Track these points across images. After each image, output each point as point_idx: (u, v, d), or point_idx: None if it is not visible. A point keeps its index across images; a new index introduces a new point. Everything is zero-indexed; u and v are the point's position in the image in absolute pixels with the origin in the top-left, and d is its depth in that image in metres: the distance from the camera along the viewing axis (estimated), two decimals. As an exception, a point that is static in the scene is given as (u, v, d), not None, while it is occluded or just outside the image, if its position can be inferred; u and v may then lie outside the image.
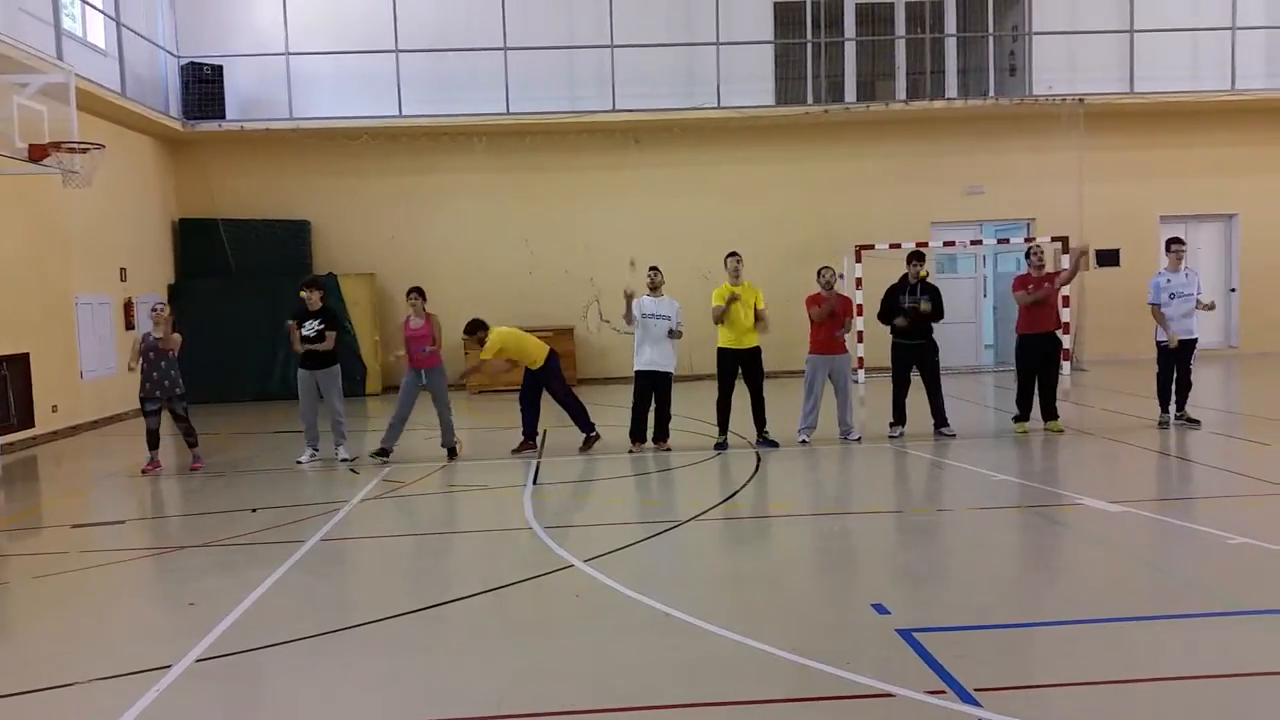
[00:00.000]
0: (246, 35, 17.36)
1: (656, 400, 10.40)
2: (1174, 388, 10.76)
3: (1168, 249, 10.93)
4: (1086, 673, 4.31)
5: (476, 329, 10.45)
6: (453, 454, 10.38)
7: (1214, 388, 15.02)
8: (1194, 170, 18.24)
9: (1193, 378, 10.83)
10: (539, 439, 10.81)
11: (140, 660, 4.75)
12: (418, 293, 10.44)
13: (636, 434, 10.42)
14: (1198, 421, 10.66)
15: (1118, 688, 4.17)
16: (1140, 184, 18.16)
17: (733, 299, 10.12)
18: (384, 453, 10.29)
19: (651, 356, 10.31)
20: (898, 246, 16.60)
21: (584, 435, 10.60)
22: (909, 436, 10.56)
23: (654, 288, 10.46)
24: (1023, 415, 10.70)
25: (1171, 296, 10.63)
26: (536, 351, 10.49)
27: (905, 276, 10.67)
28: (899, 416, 10.72)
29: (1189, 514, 6.92)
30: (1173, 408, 10.83)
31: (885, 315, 10.69)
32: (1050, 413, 10.69)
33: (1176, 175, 18.23)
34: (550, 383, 10.56)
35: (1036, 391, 10.64)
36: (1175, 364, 10.70)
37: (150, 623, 5.65)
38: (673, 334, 10.32)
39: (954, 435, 10.47)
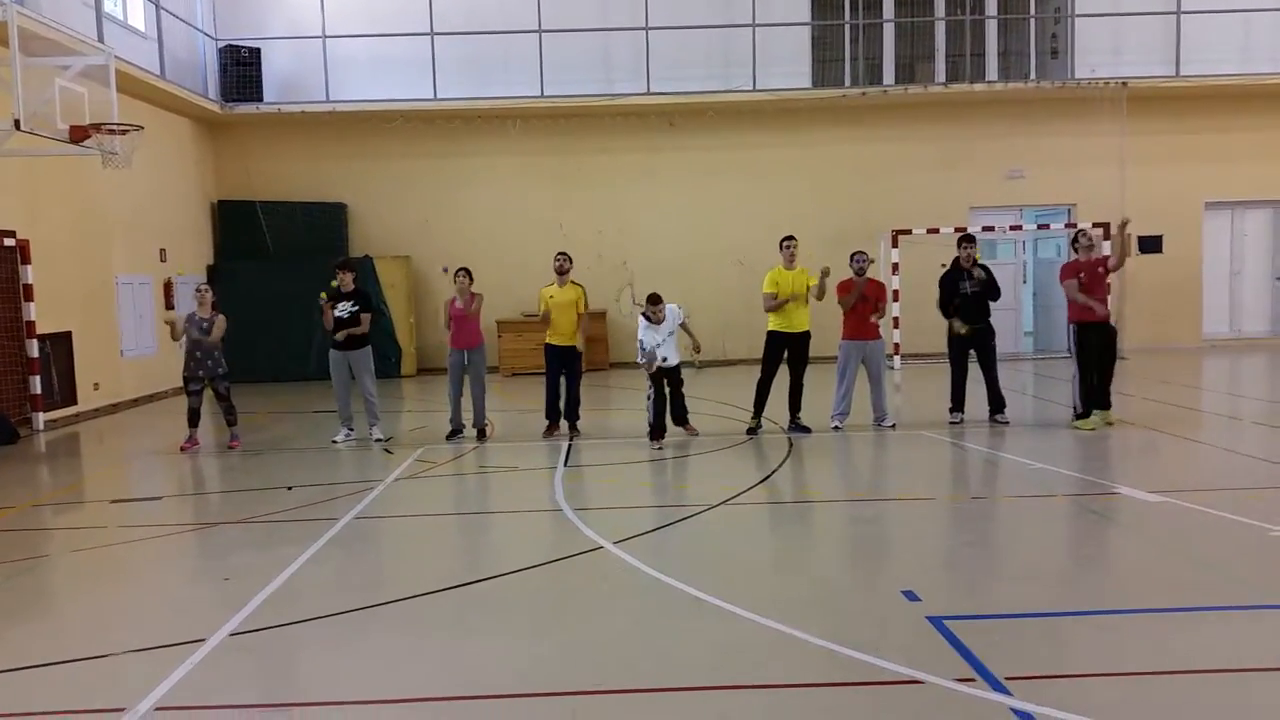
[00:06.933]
0: (283, 18, 17.47)
1: (670, 389, 10.16)
2: None
3: None
4: (1120, 663, 4.25)
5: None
6: (482, 434, 10.41)
7: (1261, 376, 14.73)
8: (1241, 155, 17.80)
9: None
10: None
11: (175, 633, 4.82)
12: (464, 272, 10.42)
13: (658, 431, 10.06)
14: None
15: (1152, 679, 4.10)
16: (1185, 169, 17.76)
17: (785, 301, 10.08)
18: (458, 431, 10.43)
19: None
20: (935, 231, 16.41)
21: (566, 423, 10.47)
22: (946, 424, 10.45)
23: (657, 322, 9.88)
24: (1086, 412, 10.09)
25: None
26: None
27: (957, 261, 10.52)
28: (958, 402, 10.62)
29: (1230, 505, 6.77)
30: None
31: (946, 304, 10.53)
32: (1103, 402, 10.16)
33: (1223, 160, 17.80)
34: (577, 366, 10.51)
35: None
36: None
37: (186, 597, 5.74)
38: (692, 362, 10.00)
39: (1008, 423, 10.32)
